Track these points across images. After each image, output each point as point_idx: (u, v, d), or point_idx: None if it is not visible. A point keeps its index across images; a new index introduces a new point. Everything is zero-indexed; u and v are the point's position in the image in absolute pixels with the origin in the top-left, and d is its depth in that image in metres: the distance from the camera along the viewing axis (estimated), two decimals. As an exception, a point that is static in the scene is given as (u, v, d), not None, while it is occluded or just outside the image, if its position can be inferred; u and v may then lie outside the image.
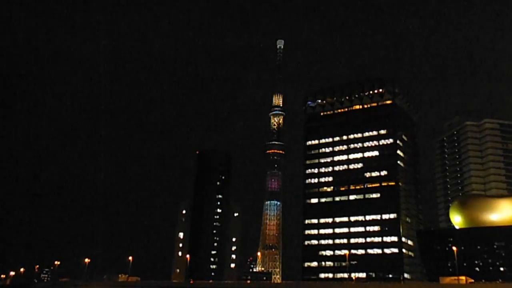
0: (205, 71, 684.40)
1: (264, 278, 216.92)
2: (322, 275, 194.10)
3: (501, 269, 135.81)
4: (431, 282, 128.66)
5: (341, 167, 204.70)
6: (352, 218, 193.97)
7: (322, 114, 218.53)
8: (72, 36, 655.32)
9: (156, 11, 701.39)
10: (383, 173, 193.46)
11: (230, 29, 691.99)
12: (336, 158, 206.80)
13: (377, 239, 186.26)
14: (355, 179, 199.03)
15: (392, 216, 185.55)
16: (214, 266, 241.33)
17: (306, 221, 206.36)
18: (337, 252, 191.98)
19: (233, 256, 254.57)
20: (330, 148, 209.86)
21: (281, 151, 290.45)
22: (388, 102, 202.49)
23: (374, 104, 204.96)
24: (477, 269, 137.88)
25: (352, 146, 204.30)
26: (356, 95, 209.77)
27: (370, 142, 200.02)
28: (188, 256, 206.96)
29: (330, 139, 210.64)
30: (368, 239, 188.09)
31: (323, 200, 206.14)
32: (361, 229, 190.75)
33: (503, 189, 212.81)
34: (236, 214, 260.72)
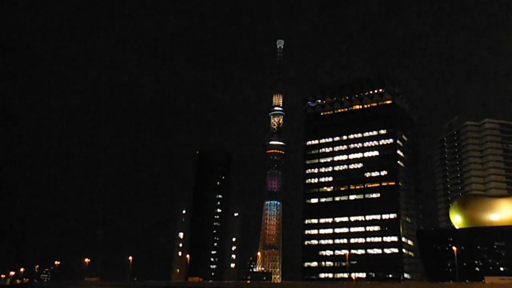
0: (205, 71, 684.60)
1: (264, 278, 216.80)
2: (322, 275, 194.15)
3: (501, 269, 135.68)
4: (434, 283, 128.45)
5: (341, 167, 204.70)
6: (352, 218, 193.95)
7: (322, 114, 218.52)
8: (72, 36, 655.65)
9: (156, 11, 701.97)
10: (383, 173, 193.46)
11: (230, 29, 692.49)
12: (336, 158, 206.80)
13: (377, 239, 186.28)
14: (355, 179, 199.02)
15: (392, 216, 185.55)
16: (214, 266, 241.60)
17: (306, 221, 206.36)
18: (337, 252, 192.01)
19: (233, 256, 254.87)
20: (330, 148, 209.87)
21: (281, 151, 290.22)
22: (388, 102, 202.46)
23: (374, 104, 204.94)
24: (477, 269, 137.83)
25: (352, 146, 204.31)
26: (356, 95, 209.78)
27: (370, 142, 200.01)
28: (188, 256, 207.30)
29: (330, 139, 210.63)
30: (368, 239, 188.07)
31: (323, 200, 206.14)
32: (361, 229, 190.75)
33: (503, 189, 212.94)
34: (236, 214, 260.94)
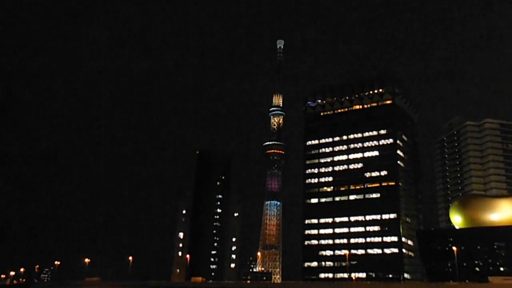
0: (205, 71, 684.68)
1: (264, 278, 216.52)
2: (322, 275, 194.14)
3: (501, 269, 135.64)
4: (434, 283, 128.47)
5: (341, 167, 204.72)
6: (352, 218, 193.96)
7: (322, 114, 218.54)
8: (72, 35, 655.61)
9: (156, 11, 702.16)
10: (383, 173, 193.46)
11: (230, 29, 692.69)
12: (336, 158, 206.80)
13: (377, 239, 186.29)
14: (355, 179, 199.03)
15: (392, 216, 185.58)
16: (214, 266, 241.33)
17: (306, 221, 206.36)
18: (337, 252, 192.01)
19: (233, 256, 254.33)
20: (330, 148, 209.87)
21: (281, 151, 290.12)
22: (388, 102, 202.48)
23: (374, 104, 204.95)
24: (477, 269, 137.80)
25: (352, 146, 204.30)
26: (356, 95, 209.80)
27: (370, 142, 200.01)
28: (188, 256, 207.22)
29: (330, 139, 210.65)
30: (368, 239, 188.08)
31: (323, 200, 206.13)
32: (361, 229, 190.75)
33: (503, 189, 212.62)
34: (236, 214, 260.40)
